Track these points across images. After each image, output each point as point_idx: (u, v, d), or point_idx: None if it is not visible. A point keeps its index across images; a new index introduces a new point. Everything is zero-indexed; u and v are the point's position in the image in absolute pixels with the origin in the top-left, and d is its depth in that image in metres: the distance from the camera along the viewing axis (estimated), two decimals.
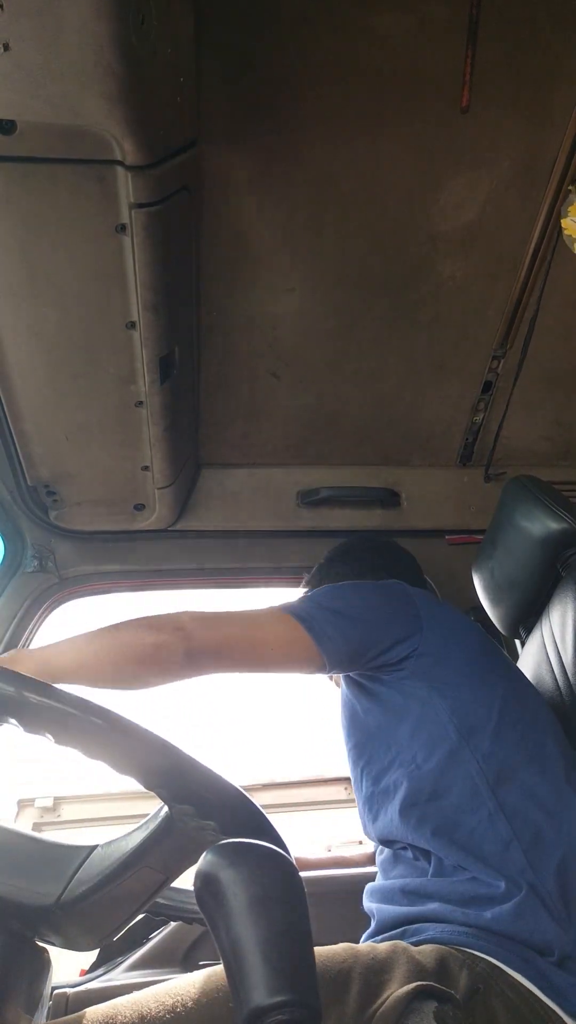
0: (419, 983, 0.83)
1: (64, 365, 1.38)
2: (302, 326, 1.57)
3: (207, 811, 0.59)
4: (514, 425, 1.82)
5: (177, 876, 0.63)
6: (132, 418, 1.50)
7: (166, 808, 0.60)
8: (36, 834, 0.65)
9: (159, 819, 0.61)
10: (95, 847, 0.63)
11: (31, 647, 1.76)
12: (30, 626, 1.76)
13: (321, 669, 1.19)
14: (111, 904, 0.60)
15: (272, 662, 1.19)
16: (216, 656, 1.14)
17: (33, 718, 0.56)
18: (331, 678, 1.48)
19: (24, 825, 7.83)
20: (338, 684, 1.45)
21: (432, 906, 1.02)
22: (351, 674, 1.27)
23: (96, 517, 1.78)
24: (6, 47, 0.88)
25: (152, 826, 0.61)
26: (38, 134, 1.00)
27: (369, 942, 0.97)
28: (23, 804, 7.97)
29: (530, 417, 1.83)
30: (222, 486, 1.89)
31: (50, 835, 0.66)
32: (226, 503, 1.89)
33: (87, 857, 0.62)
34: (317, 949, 0.88)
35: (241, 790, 0.62)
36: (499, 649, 1.34)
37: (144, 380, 1.40)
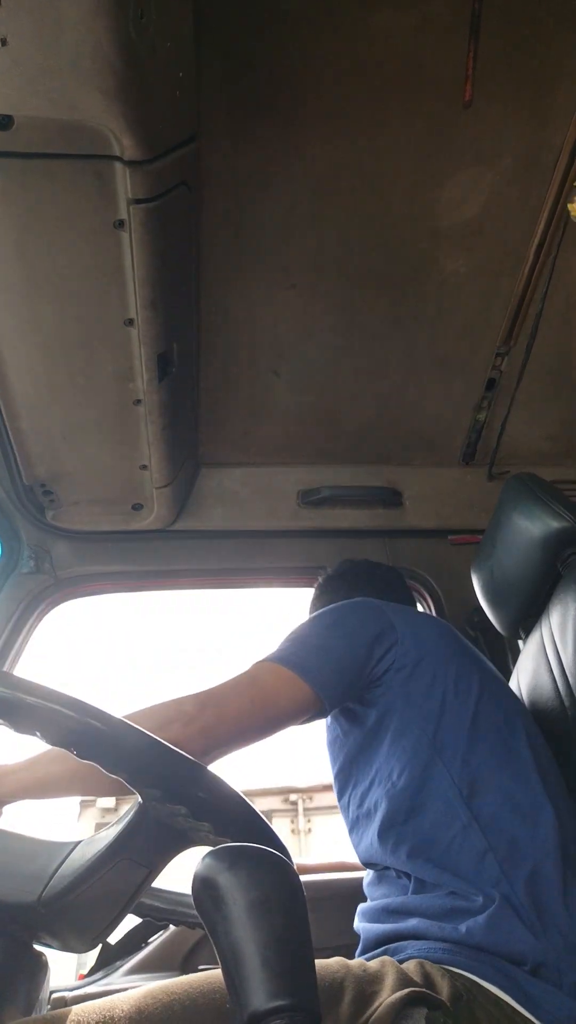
0: (411, 989, 0.84)
1: (61, 362, 1.37)
2: (303, 323, 1.57)
3: (175, 796, 0.58)
4: (518, 423, 1.82)
5: (160, 868, 0.62)
6: (130, 416, 1.49)
7: (139, 799, 0.60)
8: (20, 832, 0.65)
9: (133, 809, 0.60)
10: (77, 843, 0.62)
11: (28, 649, 1.75)
12: (26, 627, 1.75)
13: (321, 712, 1.18)
14: (96, 900, 0.59)
15: (283, 723, 1.16)
16: (235, 738, 1.10)
17: (24, 719, 0.56)
18: None
19: (86, 825, 7.83)
20: None
21: (412, 922, 1.03)
22: None
23: (94, 517, 1.77)
24: (4, 42, 0.87)
25: (128, 817, 0.60)
26: (36, 129, 1.00)
27: (359, 960, 0.98)
28: (85, 804, 7.99)
29: (534, 415, 1.82)
30: (221, 485, 1.89)
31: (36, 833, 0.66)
32: (226, 502, 1.88)
33: (69, 854, 0.61)
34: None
35: (220, 777, 0.61)
36: (474, 651, 1.35)
37: (142, 378, 1.39)
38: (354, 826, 1.23)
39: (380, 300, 1.54)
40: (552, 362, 1.69)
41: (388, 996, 0.84)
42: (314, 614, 1.35)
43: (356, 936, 1.15)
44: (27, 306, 1.26)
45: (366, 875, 1.24)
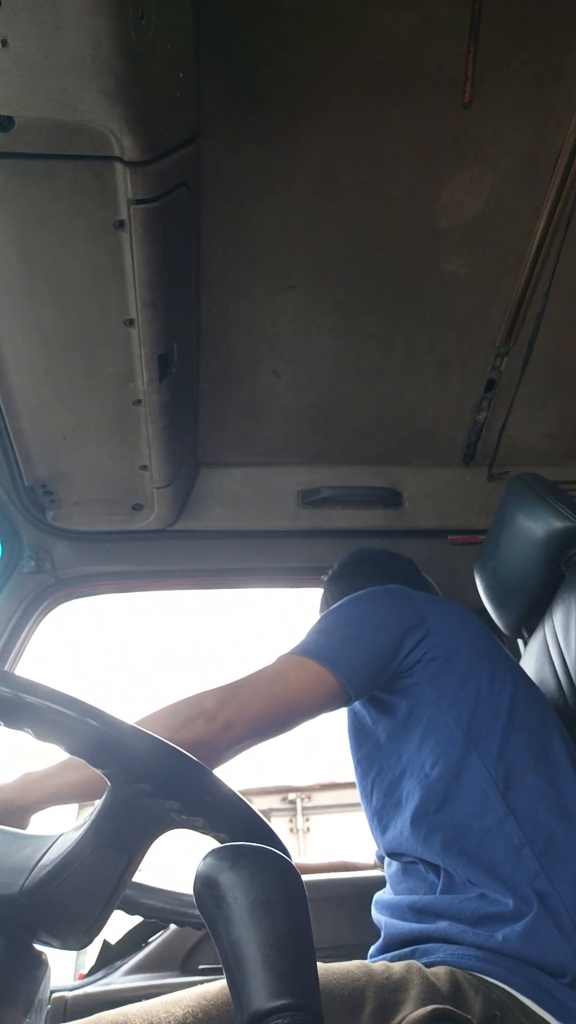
0: (436, 1006, 0.81)
1: (62, 363, 1.37)
2: (303, 323, 1.57)
3: (135, 774, 0.58)
4: (518, 423, 1.81)
5: (141, 853, 0.62)
6: (130, 417, 1.49)
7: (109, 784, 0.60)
8: (4, 827, 0.65)
9: (105, 793, 0.60)
10: (60, 835, 0.62)
11: (29, 649, 1.75)
12: (27, 627, 1.75)
13: (349, 701, 1.17)
14: (80, 890, 0.59)
15: (307, 715, 1.15)
16: (258, 733, 1.10)
17: (11, 714, 0.56)
18: None
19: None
20: None
21: (442, 925, 1.00)
22: None
23: (94, 517, 1.77)
24: (4, 43, 0.87)
25: (100, 801, 0.60)
26: (36, 130, 1.00)
27: (383, 960, 0.96)
28: (83, 804, 7.98)
29: (534, 415, 1.82)
30: (222, 486, 1.89)
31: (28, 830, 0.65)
32: (226, 503, 1.88)
33: (51, 845, 0.61)
34: (331, 966, 0.88)
35: (177, 748, 0.60)
36: (505, 648, 1.33)
37: (143, 378, 1.39)
38: (379, 814, 1.20)
39: (380, 300, 1.54)
40: (552, 362, 1.69)
41: (412, 1011, 0.82)
42: (341, 602, 1.32)
43: (359, 935, 1.14)
44: (27, 306, 1.26)
45: (387, 864, 1.21)
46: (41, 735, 0.57)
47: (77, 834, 0.60)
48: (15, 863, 0.60)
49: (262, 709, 1.10)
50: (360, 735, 1.27)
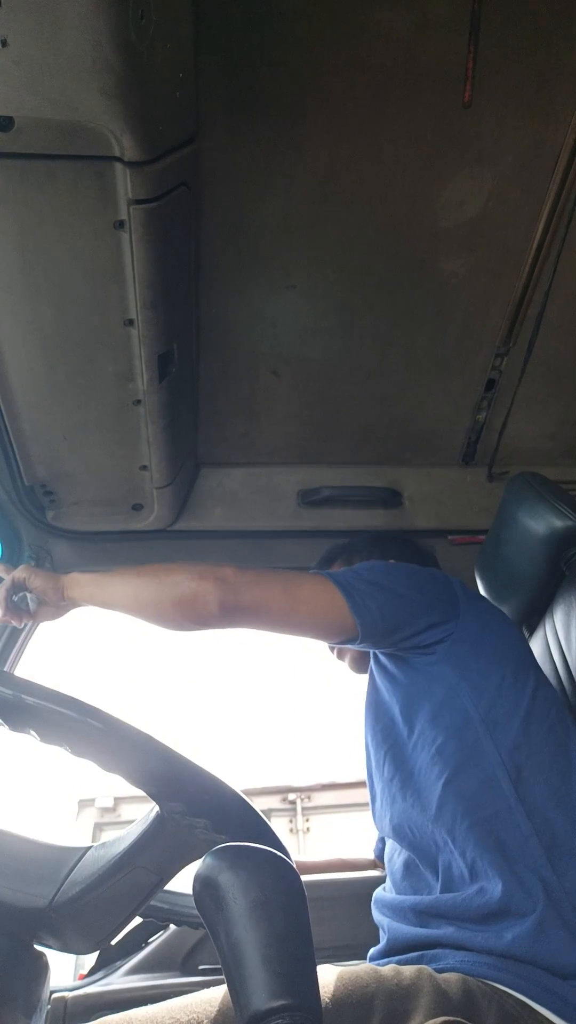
0: (447, 1018, 0.80)
1: (62, 363, 1.37)
2: (303, 323, 1.57)
3: (198, 809, 0.58)
4: (518, 423, 1.81)
5: (171, 877, 0.62)
6: (130, 417, 1.49)
7: (156, 807, 0.60)
8: (30, 836, 0.65)
9: (150, 818, 0.60)
10: (89, 848, 0.62)
11: (28, 650, 1.75)
12: (27, 627, 1.75)
13: (352, 639, 1.18)
14: (105, 906, 0.59)
15: (306, 625, 1.19)
16: (252, 612, 1.15)
17: (17, 717, 0.56)
18: (336, 654, 1.49)
19: (85, 825, 7.86)
20: (345, 661, 1.47)
21: (447, 930, 0.99)
22: (379, 654, 1.26)
23: (94, 517, 1.77)
24: (4, 43, 0.87)
25: (143, 826, 0.60)
26: (36, 130, 1.00)
27: (393, 964, 0.94)
28: (83, 804, 8.00)
29: (534, 415, 1.82)
30: (221, 486, 1.89)
31: (47, 837, 0.66)
32: (226, 503, 1.88)
33: (80, 858, 0.61)
34: (340, 970, 0.87)
35: (235, 789, 0.61)
36: (531, 650, 1.33)
37: (142, 378, 1.39)
38: (388, 786, 1.19)
39: (380, 300, 1.54)
40: (552, 362, 1.69)
41: (422, 1020, 0.81)
42: (387, 563, 1.35)
43: (359, 935, 1.14)
44: (27, 306, 1.26)
45: (389, 858, 1.20)
46: (106, 766, 0.58)
47: (113, 853, 0.60)
48: (42, 874, 0.60)
49: (265, 596, 1.16)
50: (377, 708, 1.27)
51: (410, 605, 1.20)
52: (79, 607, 1.33)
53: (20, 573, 1.32)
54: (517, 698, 1.15)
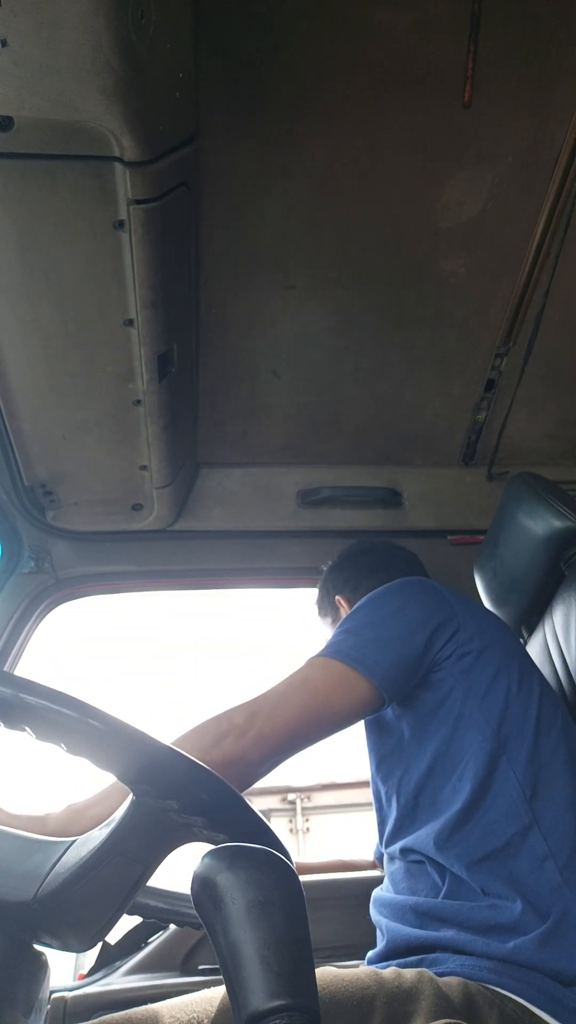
0: (448, 1020, 0.80)
1: (61, 363, 1.37)
2: (302, 323, 1.57)
3: (165, 791, 0.58)
4: (517, 423, 1.81)
5: (155, 866, 0.62)
6: (130, 417, 1.49)
7: (131, 796, 0.60)
8: (15, 831, 0.65)
9: (126, 805, 0.60)
10: (73, 841, 0.62)
11: (28, 649, 1.75)
12: (27, 627, 1.76)
13: (383, 706, 1.13)
14: (93, 898, 0.59)
15: (341, 723, 1.11)
16: (290, 745, 1.06)
17: (12, 714, 0.56)
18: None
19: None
20: None
21: (449, 933, 0.98)
22: None
23: (94, 517, 1.77)
24: (4, 43, 0.87)
25: (121, 813, 0.60)
26: (36, 130, 0.99)
27: (393, 967, 0.93)
28: None
29: (534, 415, 1.82)
30: (221, 486, 1.89)
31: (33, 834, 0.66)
32: (225, 503, 1.88)
33: (65, 851, 0.61)
34: (341, 972, 0.87)
35: (207, 769, 0.61)
36: (524, 647, 1.32)
37: (142, 378, 1.39)
38: (405, 814, 1.15)
39: (379, 300, 1.54)
40: (551, 361, 1.69)
41: (422, 1023, 0.80)
42: (367, 598, 1.27)
43: (358, 935, 1.13)
44: (27, 306, 1.26)
45: (388, 862, 1.18)
46: (73, 750, 0.57)
47: (94, 844, 0.60)
48: (27, 869, 0.60)
49: (291, 719, 1.06)
50: (381, 731, 1.23)
51: (419, 639, 1.14)
52: None
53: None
54: (526, 706, 1.12)
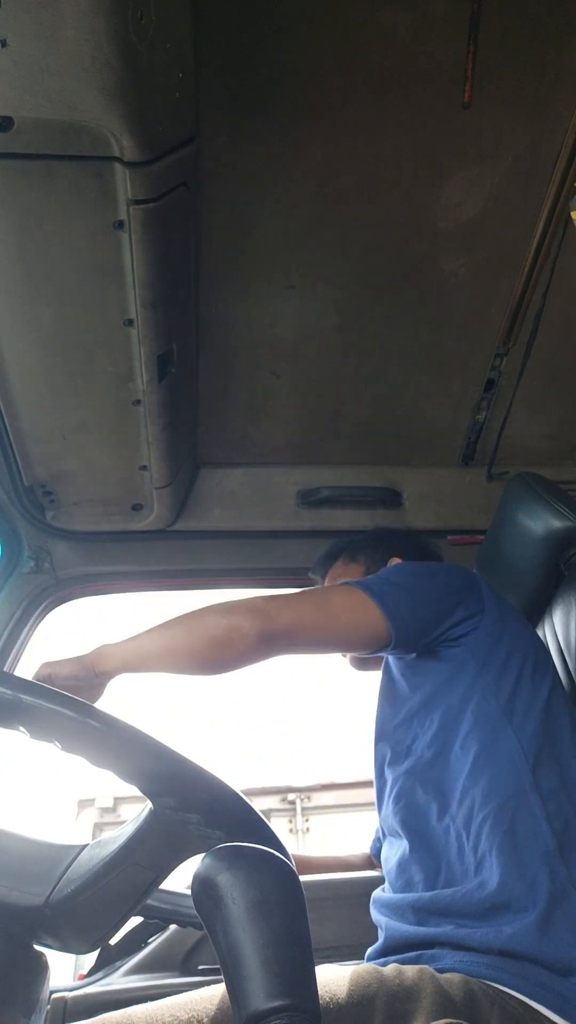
0: (449, 1020, 0.80)
1: (61, 363, 1.37)
2: (302, 324, 1.57)
3: (190, 805, 0.58)
4: (517, 424, 1.81)
5: (167, 874, 0.62)
6: (130, 417, 1.49)
7: (150, 804, 0.60)
8: (26, 834, 0.65)
9: (144, 815, 0.60)
10: (85, 846, 0.62)
11: (28, 649, 1.75)
12: (27, 627, 1.76)
13: (387, 646, 1.18)
14: (102, 904, 0.59)
15: (342, 639, 1.19)
16: (289, 635, 1.14)
17: (6, 713, 0.56)
18: (348, 660, 1.48)
19: (84, 825, 7.86)
20: (347, 657, 1.47)
21: (446, 928, 0.98)
22: None
23: (93, 517, 1.77)
24: (3, 43, 0.87)
25: (137, 822, 0.60)
26: (35, 130, 0.99)
27: (394, 964, 0.93)
28: (83, 804, 8.02)
29: (533, 415, 1.82)
30: (221, 486, 1.89)
31: (44, 836, 0.66)
32: (225, 503, 1.88)
33: (76, 856, 0.61)
34: (341, 970, 0.87)
35: (229, 784, 0.61)
36: (545, 644, 1.35)
37: (142, 378, 1.39)
38: (399, 782, 1.19)
39: (379, 300, 1.54)
40: (551, 362, 1.69)
41: (423, 1021, 0.81)
42: (403, 563, 1.35)
43: (359, 935, 1.13)
44: (27, 306, 1.26)
45: (385, 857, 1.20)
46: (96, 762, 0.58)
47: (109, 850, 0.60)
48: (38, 872, 0.60)
49: (302, 614, 1.14)
50: (396, 701, 1.27)
51: (440, 603, 1.21)
52: (114, 678, 1.21)
53: (43, 671, 1.19)
54: (536, 690, 1.16)
